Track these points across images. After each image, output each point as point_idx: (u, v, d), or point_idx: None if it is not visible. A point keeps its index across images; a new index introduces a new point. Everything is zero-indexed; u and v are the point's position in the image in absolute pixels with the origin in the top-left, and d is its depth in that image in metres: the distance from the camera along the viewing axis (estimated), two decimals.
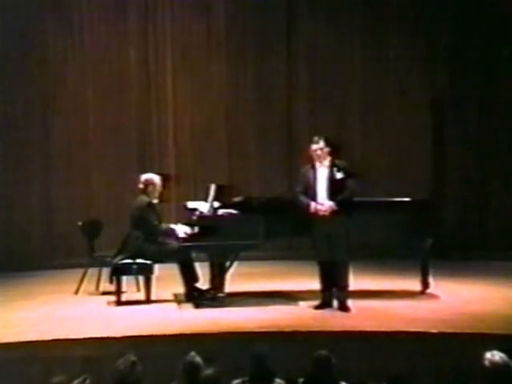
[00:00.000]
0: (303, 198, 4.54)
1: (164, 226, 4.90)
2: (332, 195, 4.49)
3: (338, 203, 4.46)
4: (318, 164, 4.55)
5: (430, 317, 4.37)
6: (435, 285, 5.06)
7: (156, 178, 4.98)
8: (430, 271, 4.99)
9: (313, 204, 4.47)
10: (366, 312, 4.49)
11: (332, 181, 4.49)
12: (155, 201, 4.96)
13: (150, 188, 4.93)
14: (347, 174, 4.49)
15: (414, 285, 5.02)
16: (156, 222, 4.87)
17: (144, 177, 4.99)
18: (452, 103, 6.89)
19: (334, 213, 4.46)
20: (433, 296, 4.95)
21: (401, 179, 6.72)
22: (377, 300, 4.80)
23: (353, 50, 6.93)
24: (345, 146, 6.26)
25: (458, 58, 6.80)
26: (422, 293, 4.98)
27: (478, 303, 4.77)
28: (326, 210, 4.44)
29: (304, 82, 6.99)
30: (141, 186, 4.96)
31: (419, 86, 6.89)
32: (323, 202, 4.47)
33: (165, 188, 5.11)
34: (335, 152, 4.59)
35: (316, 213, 4.46)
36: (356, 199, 4.59)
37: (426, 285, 4.99)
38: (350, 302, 4.57)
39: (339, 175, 4.49)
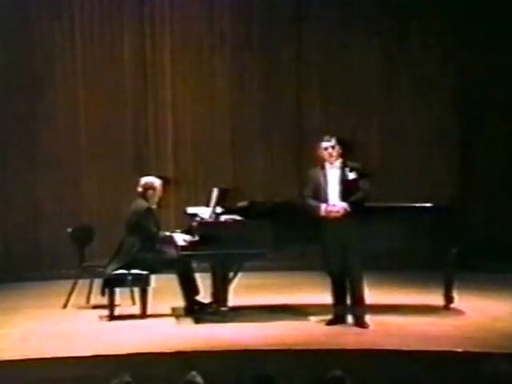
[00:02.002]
0: (312, 201, 4.54)
1: (162, 233, 4.89)
2: (344, 197, 4.48)
3: (350, 205, 4.44)
4: (328, 165, 4.55)
5: (455, 334, 4.35)
6: (460, 299, 5.03)
7: (157, 182, 4.99)
8: (455, 284, 4.97)
9: (323, 206, 4.47)
10: (383, 328, 4.47)
11: (344, 182, 4.49)
12: (154, 206, 4.96)
13: (150, 192, 4.94)
14: (360, 175, 4.48)
15: (437, 299, 5.00)
16: (154, 229, 4.87)
17: (144, 180, 5.00)
18: (480, 102, 6.85)
19: (346, 215, 4.44)
20: (457, 311, 4.92)
21: (423, 182, 6.70)
22: (395, 315, 4.77)
23: (371, 44, 6.92)
24: (362, 147, 6.24)
25: (487, 56, 6.78)
26: (446, 308, 4.95)
27: (508, 320, 4.73)
28: (338, 211, 4.43)
29: (316, 78, 6.98)
30: (140, 189, 4.97)
31: (444, 83, 6.86)
32: (335, 203, 4.46)
33: (165, 193, 5.10)
34: (347, 152, 4.58)
35: (327, 215, 4.45)
36: (373, 204, 4.57)
37: (449, 299, 4.96)
38: (366, 318, 4.54)
39: (351, 176, 4.49)
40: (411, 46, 6.88)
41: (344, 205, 4.46)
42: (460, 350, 3.98)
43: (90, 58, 6.81)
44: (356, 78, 6.94)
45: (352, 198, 4.47)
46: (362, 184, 4.52)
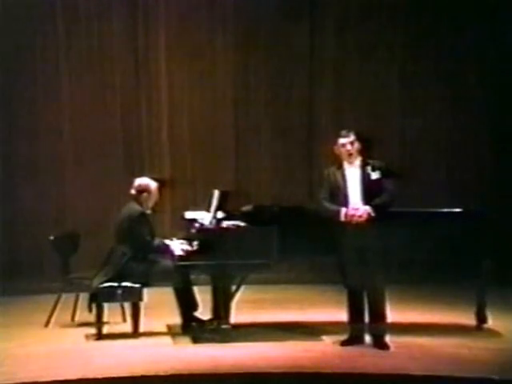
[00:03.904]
0: (329, 205, 4.51)
1: (157, 240, 4.88)
2: (367, 200, 4.45)
3: (375, 209, 4.40)
4: (346, 164, 4.52)
5: (489, 359, 4.30)
6: (494, 318, 4.99)
7: (152, 184, 5.00)
8: (488, 301, 4.93)
9: (344, 210, 4.44)
10: (406, 351, 4.42)
11: (366, 182, 4.46)
12: (148, 211, 4.96)
13: (144, 195, 4.94)
14: (384, 174, 4.43)
15: (468, 318, 4.96)
16: (148, 237, 4.86)
17: (138, 181, 5.00)
18: None
19: (370, 221, 4.41)
20: (492, 332, 4.88)
21: (452, 185, 6.66)
22: (420, 336, 4.73)
23: (393, 31, 6.88)
24: (380, 145, 6.21)
25: None
26: (478, 328, 4.92)
27: None
28: (361, 216, 4.39)
29: (330, 69, 6.99)
30: (133, 192, 4.97)
31: (475, 79, 6.84)
32: (357, 207, 4.42)
33: (161, 196, 5.10)
34: (367, 150, 4.55)
35: (349, 220, 4.41)
36: (395, 209, 4.53)
37: (482, 318, 4.92)
38: (387, 338, 4.51)
39: (374, 175, 4.46)
40: (436, 38, 6.85)
41: (367, 208, 4.42)
42: (496, 377, 3.92)
43: (75, 46, 6.79)
44: (374, 71, 6.91)
45: (376, 201, 4.43)
46: (387, 185, 4.48)
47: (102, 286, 4.78)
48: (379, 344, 4.46)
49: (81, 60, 6.82)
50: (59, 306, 5.20)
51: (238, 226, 4.72)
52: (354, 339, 4.52)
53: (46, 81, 6.75)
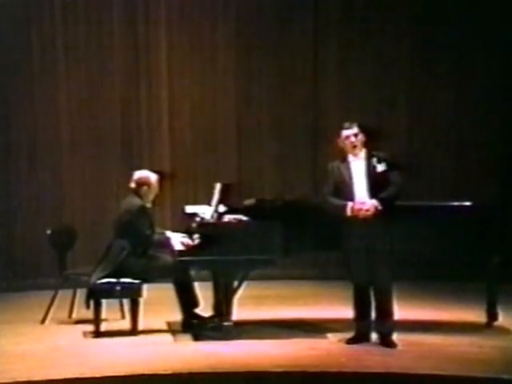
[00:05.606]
0: (335, 200, 4.52)
1: (157, 235, 4.88)
2: (373, 193, 4.46)
3: (381, 202, 4.41)
4: (351, 157, 4.52)
5: (500, 358, 4.30)
6: (505, 315, 5.00)
7: (152, 177, 5.01)
8: (499, 298, 4.92)
9: (350, 204, 4.45)
10: (414, 349, 4.43)
11: (372, 175, 4.47)
12: (148, 205, 4.96)
13: (145, 189, 4.95)
14: (390, 166, 4.44)
15: (478, 315, 4.96)
16: (148, 232, 4.86)
17: (138, 174, 5.01)
18: None
19: (377, 215, 4.41)
20: (503, 330, 4.88)
21: (460, 178, 6.64)
22: (428, 334, 4.74)
23: (399, 26, 6.85)
24: (387, 137, 6.20)
25: None
26: (489, 325, 4.93)
27: None
28: (368, 210, 4.40)
29: (335, 59, 6.97)
30: (132, 185, 4.98)
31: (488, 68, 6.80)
32: (364, 201, 4.43)
33: (161, 190, 5.11)
34: (372, 142, 4.55)
35: (355, 215, 4.41)
36: (401, 203, 4.53)
37: (493, 315, 4.93)
38: (394, 336, 4.51)
39: (380, 167, 4.47)
40: (444, 31, 6.82)
41: (374, 202, 4.43)
42: (507, 376, 3.92)
43: (73, 34, 6.77)
44: (382, 59, 6.89)
45: (383, 194, 4.44)
46: (393, 177, 4.49)
47: (100, 281, 4.79)
48: (386, 342, 4.47)
49: (78, 49, 6.79)
50: (56, 302, 5.22)
51: (241, 221, 4.73)
52: (360, 337, 4.53)
53: (44, 72, 6.74)
